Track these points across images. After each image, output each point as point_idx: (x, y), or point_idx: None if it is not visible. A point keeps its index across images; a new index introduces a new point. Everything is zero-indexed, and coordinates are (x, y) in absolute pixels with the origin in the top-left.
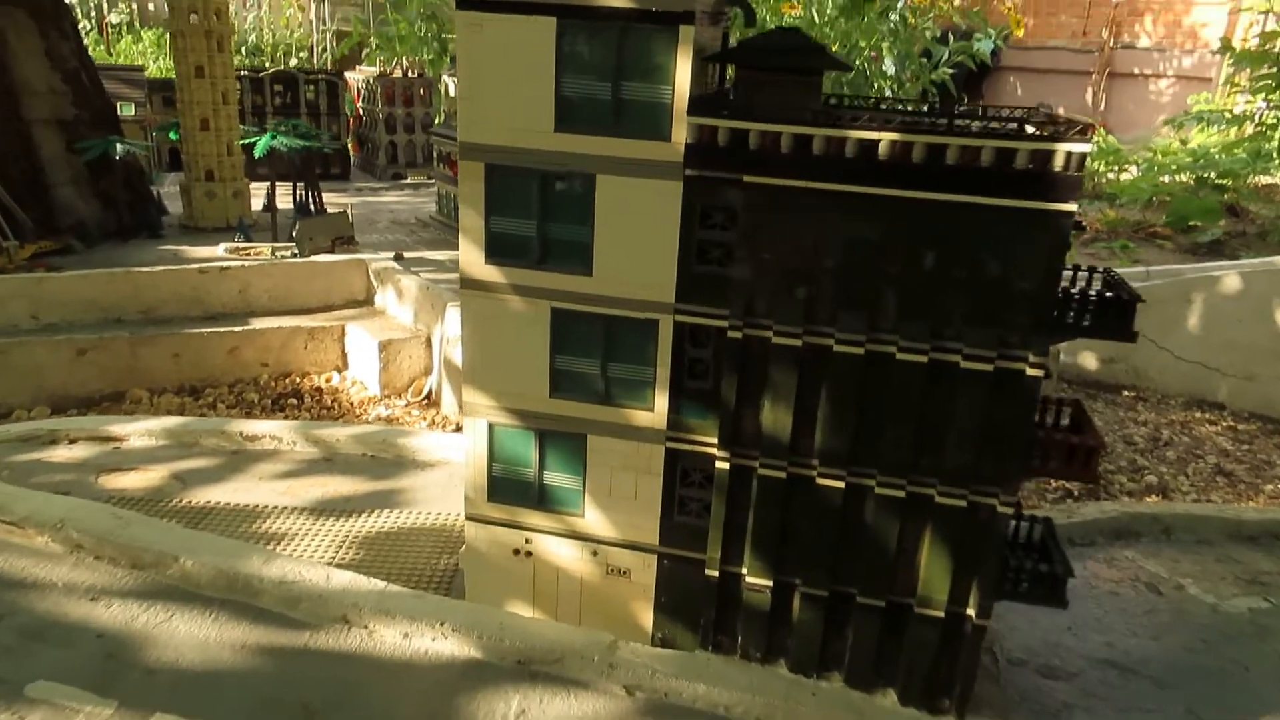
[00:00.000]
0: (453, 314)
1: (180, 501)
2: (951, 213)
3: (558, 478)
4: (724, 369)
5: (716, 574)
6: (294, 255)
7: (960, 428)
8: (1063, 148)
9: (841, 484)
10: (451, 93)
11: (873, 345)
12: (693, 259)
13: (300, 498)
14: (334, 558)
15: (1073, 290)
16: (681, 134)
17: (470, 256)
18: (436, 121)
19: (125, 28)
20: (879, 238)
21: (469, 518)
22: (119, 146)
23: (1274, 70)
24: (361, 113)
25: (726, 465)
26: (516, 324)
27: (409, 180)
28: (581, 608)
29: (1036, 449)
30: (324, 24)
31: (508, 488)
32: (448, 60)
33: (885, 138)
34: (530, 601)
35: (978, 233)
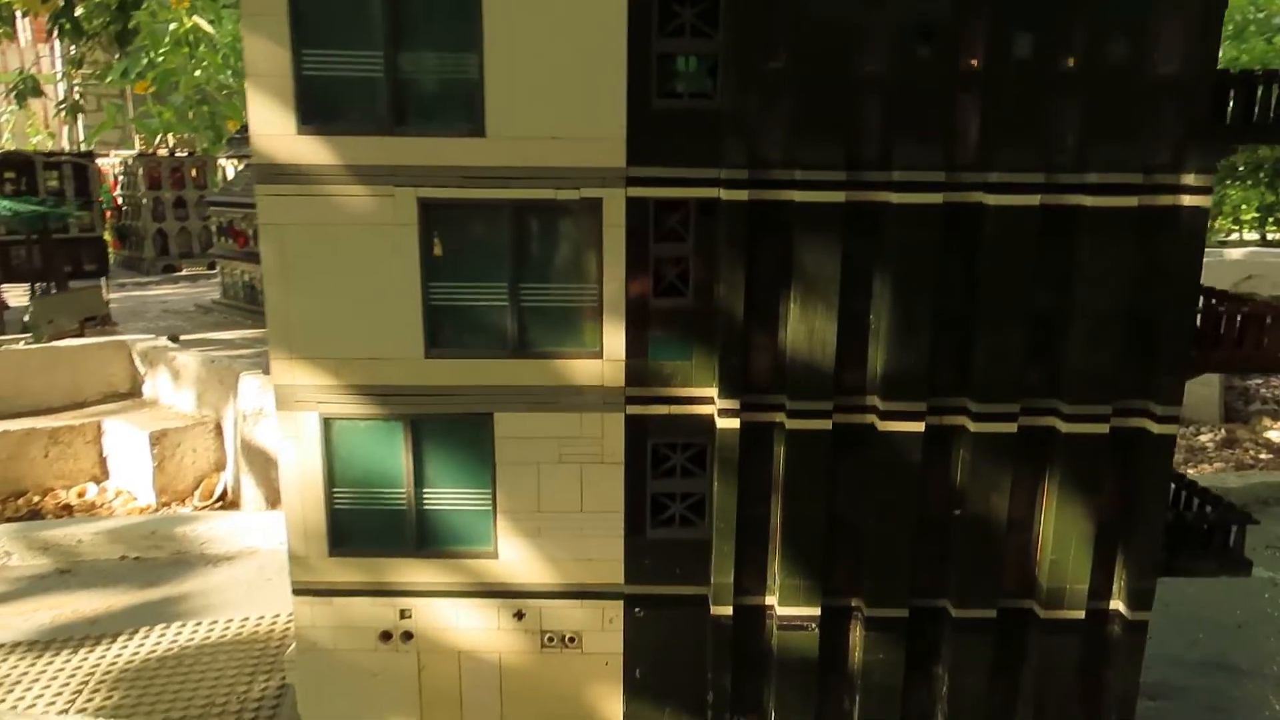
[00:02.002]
0: (250, 385)
1: None
2: None
3: (448, 497)
4: (722, 264)
5: (728, 612)
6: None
7: (1095, 309)
8: None
9: (919, 425)
10: (230, 175)
11: (954, 194)
12: (653, 88)
13: (16, 629)
14: (69, 708)
15: None
16: None
17: (269, 120)
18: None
19: None
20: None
21: (299, 590)
22: None
23: None
24: (121, 201)
25: (734, 424)
26: (360, 238)
27: (184, 272)
28: (504, 716)
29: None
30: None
31: (363, 527)
32: (224, 144)
33: None
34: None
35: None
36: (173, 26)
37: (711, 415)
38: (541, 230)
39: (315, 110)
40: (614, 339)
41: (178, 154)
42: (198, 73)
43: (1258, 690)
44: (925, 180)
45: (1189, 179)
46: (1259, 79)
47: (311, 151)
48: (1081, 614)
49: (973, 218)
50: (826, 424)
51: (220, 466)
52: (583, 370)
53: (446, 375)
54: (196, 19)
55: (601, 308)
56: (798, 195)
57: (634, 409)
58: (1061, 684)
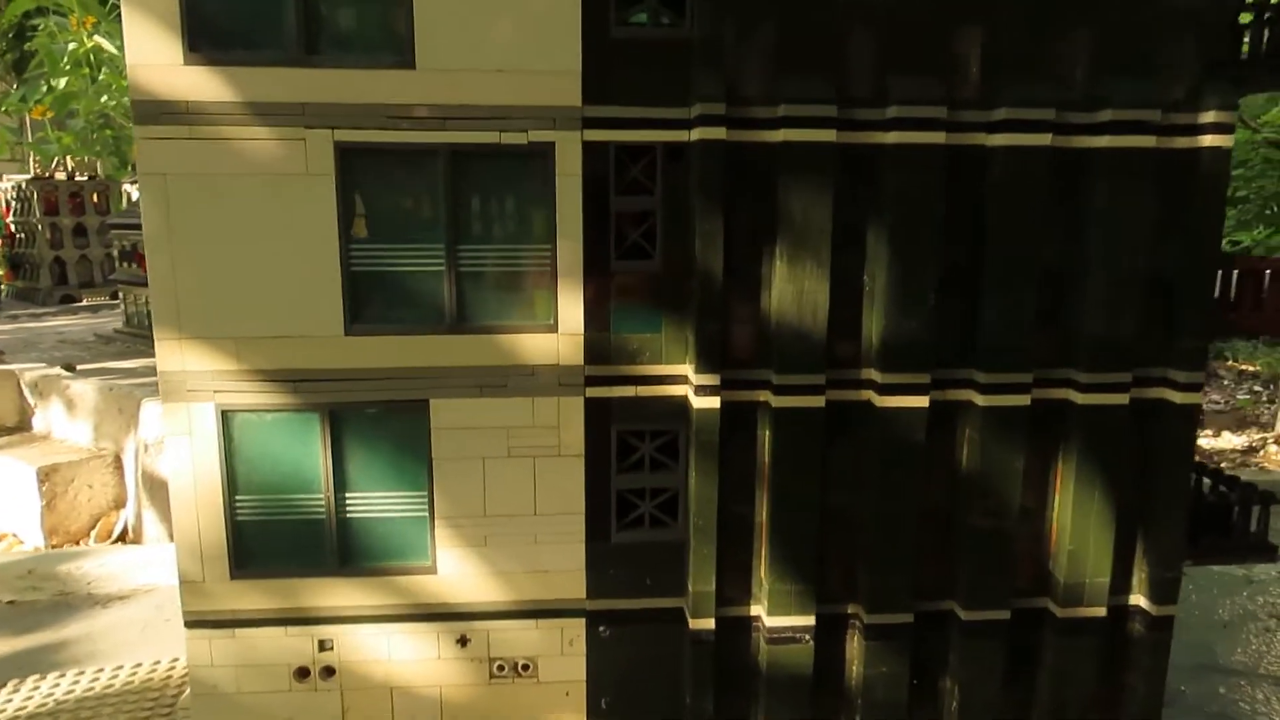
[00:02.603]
0: (153, 413)
1: None
2: None
3: (375, 502)
4: (696, 217)
5: (709, 626)
6: None
7: (1111, 265)
8: None
9: (923, 400)
10: (135, 198)
11: (957, 135)
12: (612, 13)
13: None
14: None
15: None
16: None
17: (149, 47)
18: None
19: None
20: None
21: (193, 622)
22: None
23: None
24: (13, 228)
25: (712, 404)
26: (263, 191)
27: (85, 302)
28: None
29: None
30: None
31: (272, 542)
32: (129, 169)
33: None
34: None
35: None
36: (72, 47)
37: (685, 396)
38: (483, 181)
39: (207, 34)
40: (570, 310)
41: (77, 178)
42: (104, 98)
43: (1257, 694)
44: (924, 117)
45: (1209, 116)
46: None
47: (202, 85)
48: (1103, 611)
49: (977, 162)
50: (818, 401)
51: (120, 503)
52: (534, 347)
53: (372, 355)
54: (98, 39)
55: (555, 273)
56: (781, 135)
57: (595, 391)
58: (1081, 690)
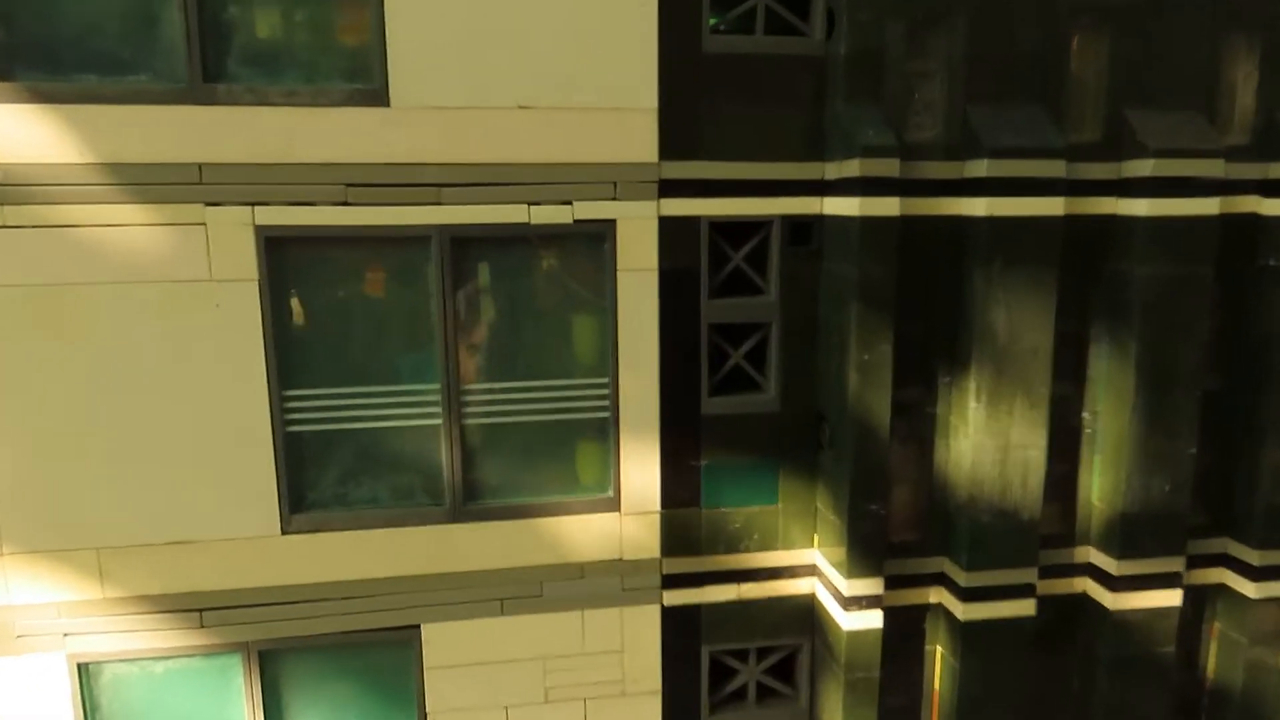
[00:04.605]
0: None
1: None
2: None
3: None
4: (851, 322)
5: None
6: None
7: None
8: None
9: (1175, 597)
10: None
11: (1229, 199)
12: (705, 15)
13: None
14: None
15: None
16: None
17: None
18: None
19: None
20: None
21: None
22: None
23: None
24: None
25: (869, 623)
26: (138, 312)
27: None
28: None
29: None
30: None
31: None
32: None
33: None
34: None
35: None
36: None
37: (812, 596)
38: (500, 285)
39: (29, 49)
40: (639, 474)
41: None
42: None
43: None
44: (1190, 176)
45: None
46: None
47: (24, 134)
48: None
49: (1246, 242)
50: (1027, 607)
51: None
52: (584, 534)
53: (324, 562)
54: None
55: (616, 419)
56: (984, 206)
57: (677, 596)
58: None
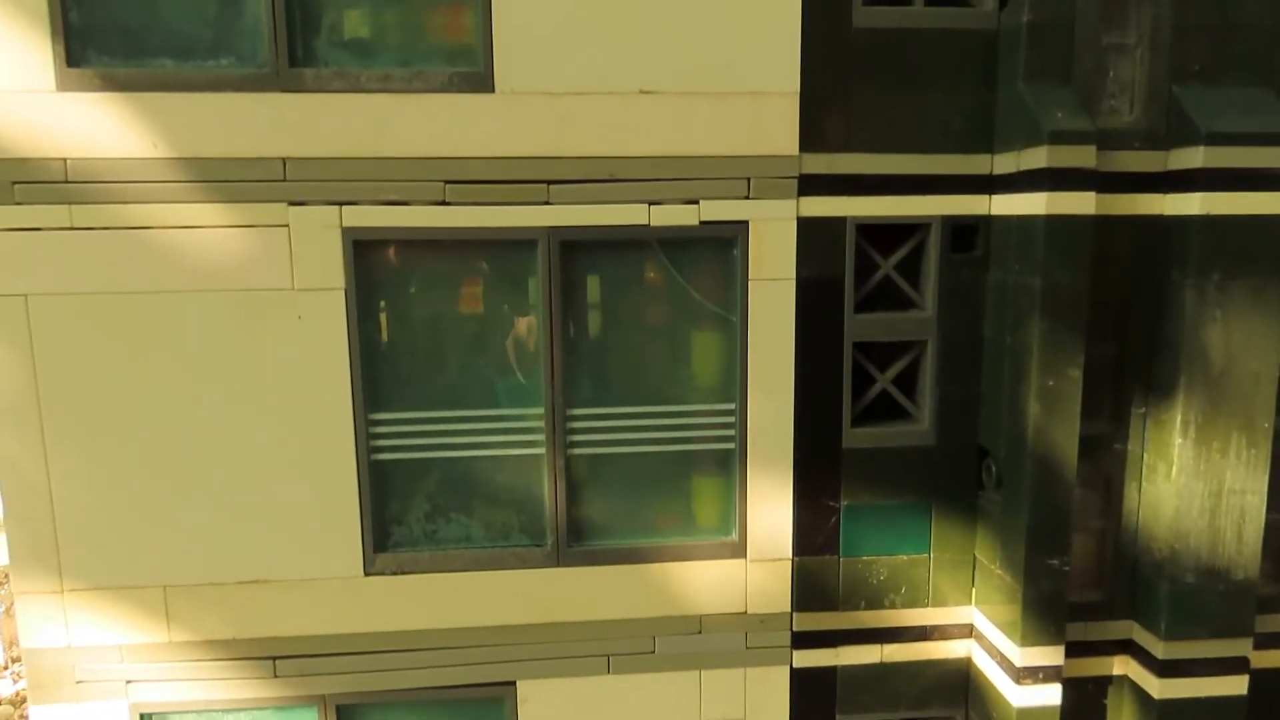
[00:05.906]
0: None
1: None
2: None
3: None
4: (1035, 343)
5: None
6: None
7: None
8: None
9: None
10: None
11: None
12: None
13: None
14: None
15: None
16: None
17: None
18: None
19: None
20: None
21: None
22: None
23: None
24: None
25: (1048, 699)
26: (210, 322)
27: None
28: None
29: None
30: None
31: None
32: None
33: None
34: None
35: None
36: None
37: (966, 660)
38: (614, 295)
39: (101, 36)
40: (768, 515)
41: None
42: None
43: None
44: None
45: None
46: None
47: (92, 127)
48: None
49: None
50: (1239, 684)
51: None
52: (704, 583)
53: (410, 609)
54: None
55: (743, 452)
56: (1198, 203)
57: (810, 657)
58: None
